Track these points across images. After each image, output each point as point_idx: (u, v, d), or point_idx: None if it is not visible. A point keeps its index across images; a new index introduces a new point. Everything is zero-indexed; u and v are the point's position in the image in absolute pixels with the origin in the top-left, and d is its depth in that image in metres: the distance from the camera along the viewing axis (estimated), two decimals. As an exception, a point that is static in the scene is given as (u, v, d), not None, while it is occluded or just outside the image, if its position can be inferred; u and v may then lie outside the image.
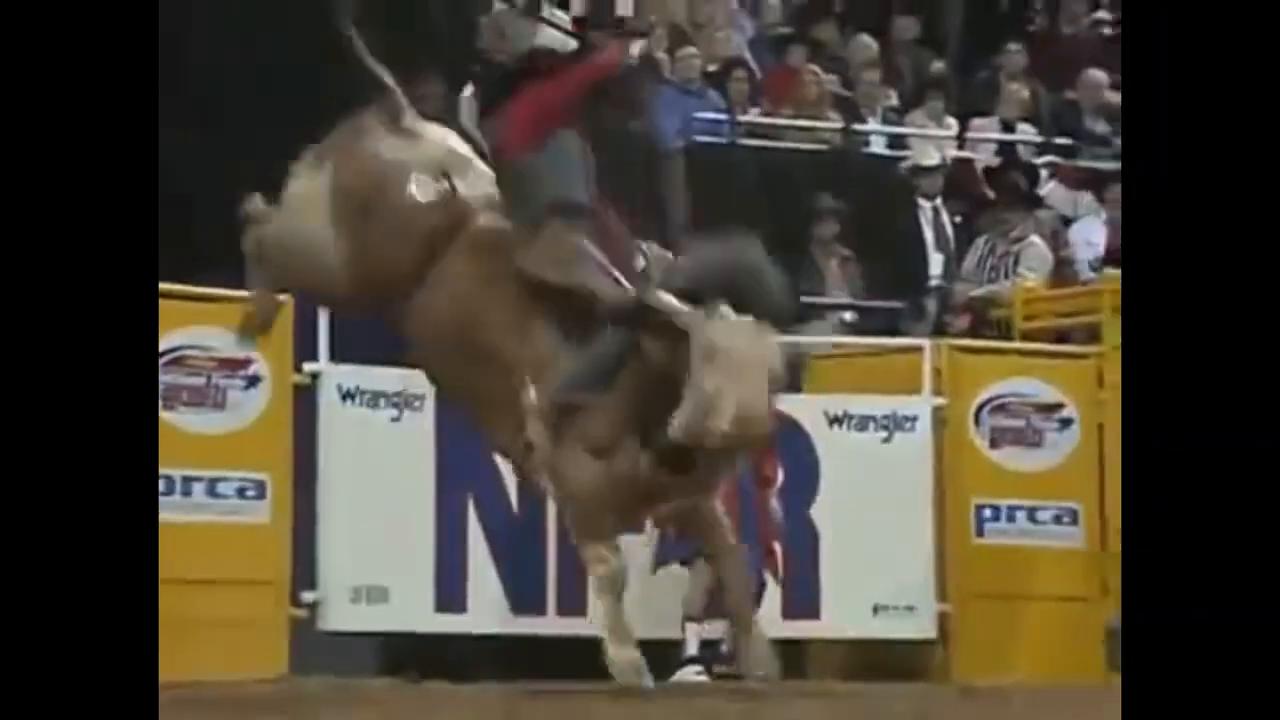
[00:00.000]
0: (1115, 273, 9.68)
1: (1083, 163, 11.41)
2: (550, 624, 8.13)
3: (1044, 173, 11.34)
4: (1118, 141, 11.38)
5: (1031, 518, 8.93)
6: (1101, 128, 11.56)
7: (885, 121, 11.47)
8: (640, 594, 7.07)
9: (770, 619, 8.26)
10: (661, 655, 7.97)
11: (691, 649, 7.97)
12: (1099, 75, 11.65)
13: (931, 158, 11.02)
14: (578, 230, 6.29)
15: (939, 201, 10.84)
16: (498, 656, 8.03)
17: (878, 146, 11.42)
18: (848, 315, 10.03)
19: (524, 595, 8.12)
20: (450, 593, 8.07)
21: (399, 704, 6.43)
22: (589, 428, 6.18)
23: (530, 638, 8.06)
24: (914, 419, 8.74)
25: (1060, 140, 11.52)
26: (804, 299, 9.33)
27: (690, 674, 7.91)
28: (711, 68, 11.16)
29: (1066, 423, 9.05)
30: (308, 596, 7.90)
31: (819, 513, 8.56)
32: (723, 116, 10.95)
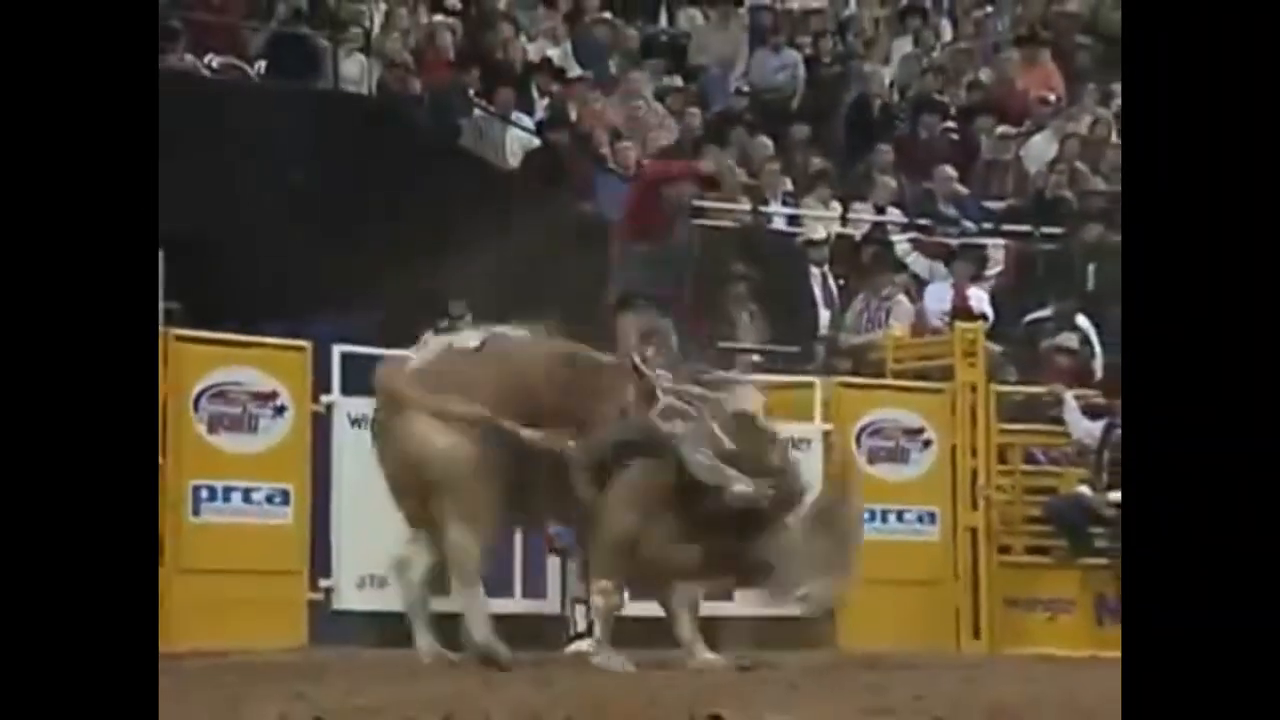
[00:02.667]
0: (963, 324, 9.79)
1: (936, 238, 11.53)
2: (517, 604, 8.09)
3: (907, 245, 11.44)
4: (965, 222, 11.55)
5: (899, 518, 9.00)
6: (951, 211, 11.70)
7: (784, 204, 11.55)
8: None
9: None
10: (551, 629, 7.91)
11: (581, 626, 7.77)
12: (949, 170, 11.85)
13: (820, 233, 11.12)
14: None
15: (826, 268, 10.94)
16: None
17: (778, 224, 11.50)
18: (755, 357, 10.06)
19: (496, 580, 8.06)
20: (436, 579, 7.99)
21: (395, 669, 6.39)
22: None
23: (500, 615, 8.00)
24: (808, 441, 8.76)
25: (920, 220, 11.63)
26: (721, 345, 9.39)
27: (580, 647, 7.73)
28: (646, 160, 11.19)
29: (927, 443, 9.13)
30: (323, 583, 7.87)
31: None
32: (654, 198, 10.95)
